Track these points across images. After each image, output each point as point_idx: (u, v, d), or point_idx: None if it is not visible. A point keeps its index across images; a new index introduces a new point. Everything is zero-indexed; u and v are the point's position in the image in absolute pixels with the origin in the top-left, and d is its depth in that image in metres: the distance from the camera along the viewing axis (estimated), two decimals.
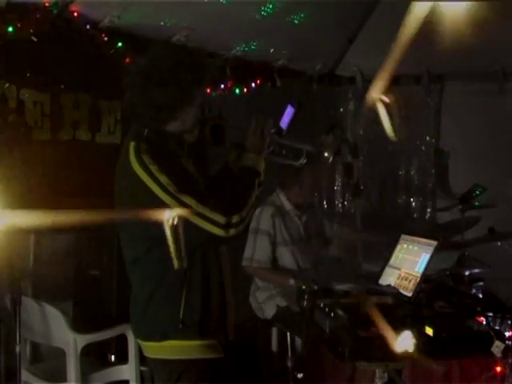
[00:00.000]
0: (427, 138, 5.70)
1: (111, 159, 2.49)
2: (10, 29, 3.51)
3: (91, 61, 4.04)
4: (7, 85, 3.76)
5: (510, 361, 2.54)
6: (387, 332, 2.48)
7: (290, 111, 2.62)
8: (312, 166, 4.01)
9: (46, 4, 3.62)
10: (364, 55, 5.41)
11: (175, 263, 2.24)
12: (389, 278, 3.25)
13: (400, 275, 3.17)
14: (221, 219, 2.19)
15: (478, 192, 4.08)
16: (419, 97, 5.68)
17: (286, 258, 4.16)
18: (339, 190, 6.03)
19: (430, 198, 5.74)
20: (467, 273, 3.61)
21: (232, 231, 2.21)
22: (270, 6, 4.25)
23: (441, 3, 3.47)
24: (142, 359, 3.67)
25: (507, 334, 2.59)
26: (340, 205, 6.04)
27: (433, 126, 5.68)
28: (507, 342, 2.54)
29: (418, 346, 2.42)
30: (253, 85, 5.07)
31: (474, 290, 3.31)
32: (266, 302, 4.15)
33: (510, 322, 2.64)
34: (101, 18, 3.91)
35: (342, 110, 6.03)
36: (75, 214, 1.50)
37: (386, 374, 2.71)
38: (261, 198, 3.60)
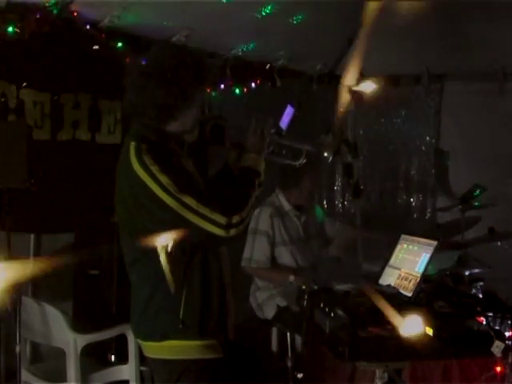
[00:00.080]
0: (427, 138, 5.70)
1: (111, 159, 2.49)
2: (10, 29, 3.51)
3: (91, 61, 4.04)
4: (7, 85, 3.77)
5: (510, 361, 2.54)
6: (393, 316, 2.49)
7: (289, 111, 2.62)
8: (312, 167, 4.02)
9: (46, 4, 3.62)
10: (364, 55, 5.41)
11: (171, 288, 2.25)
12: (389, 278, 3.25)
13: (400, 275, 3.17)
14: (221, 219, 2.19)
15: (477, 192, 4.07)
16: (419, 97, 5.68)
17: (285, 258, 4.17)
18: (339, 189, 6.03)
19: (430, 197, 5.74)
20: (467, 273, 3.60)
21: (232, 231, 2.21)
22: (270, 7, 4.25)
23: None
24: (142, 359, 3.67)
25: (507, 333, 2.59)
26: (340, 205, 6.04)
27: (433, 125, 5.68)
28: (507, 341, 2.54)
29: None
30: (253, 85, 5.07)
31: (473, 290, 3.30)
32: (265, 302, 4.16)
33: (509, 322, 2.64)
34: (101, 18, 3.91)
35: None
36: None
37: (385, 374, 2.71)
38: (260, 199, 3.60)
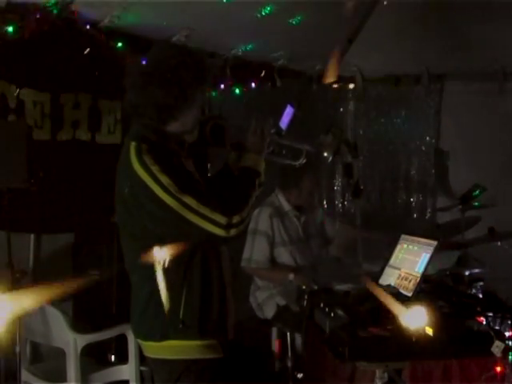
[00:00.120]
0: (427, 138, 5.70)
1: (111, 159, 2.49)
2: (10, 29, 3.51)
3: (91, 61, 4.04)
4: (7, 85, 3.77)
5: (510, 361, 2.54)
6: (396, 308, 2.48)
7: (289, 111, 2.62)
8: (311, 167, 4.02)
9: (46, 4, 3.62)
10: (364, 55, 5.41)
11: (166, 305, 2.25)
12: (389, 278, 3.25)
13: (400, 275, 3.17)
14: (222, 219, 2.19)
15: (477, 192, 4.07)
16: (419, 97, 5.68)
17: (285, 258, 4.17)
18: (339, 189, 6.03)
19: (430, 197, 5.75)
20: (467, 273, 3.61)
21: (233, 231, 2.21)
22: (270, 7, 4.25)
23: None
24: (142, 359, 3.67)
25: (507, 333, 2.59)
26: (340, 205, 6.04)
27: (433, 125, 5.68)
28: (507, 341, 2.54)
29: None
30: (253, 85, 5.07)
31: (473, 290, 3.30)
32: (265, 301, 4.16)
33: (509, 322, 2.64)
34: (101, 18, 3.91)
35: (342, 109, 6.04)
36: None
37: (385, 374, 2.71)
38: (260, 199, 3.60)
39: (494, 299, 3.05)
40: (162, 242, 2.28)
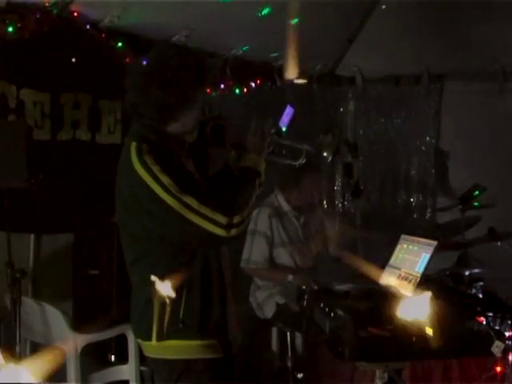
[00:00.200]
0: (427, 138, 5.70)
1: (111, 159, 2.49)
2: (10, 29, 3.51)
3: (91, 61, 4.04)
4: (7, 85, 3.77)
5: (510, 361, 2.54)
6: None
7: (289, 111, 2.62)
8: (311, 167, 4.02)
9: (46, 4, 3.62)
10: (364, 55, 5.42)
11: (153, 339, 2.25)
12: (389, 278, 3.25)
13: (400, 275, 3.17)
14: (222, 219, 2.19)
15: (477, 192, 4.07)
16: (419, 97, 5.68)
17: (284, 259, 4.17)
18: (339, 189, 6.04)
19: (430, 197, 5.74)
20: (467, 273, 3.60)
21: (233, 231, 2.21)
22: (269, 8, 4.25)
23: None
24: (142, 359, 3.67)
25: (507, 333, 2.59)
26: (340, 205, 6.04)
27: (433, 125, 5.68)
28: (507, 341, 2.54)
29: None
30: (253, 85, 5.07)
31: (473, 290, 3.30)
32: (265, 301, 4.16)
33: (509, 322, 2.64)
34: (101, 18, 3.91)
35: (342, 109, 6.04)
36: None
37: (385, 374, 2.71)
38: (260, 199, 3.60)
39: (494, 299, 3.05)
40: (162, 242, 2.28)
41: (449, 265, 3.85)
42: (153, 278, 2.22)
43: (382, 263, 3.38)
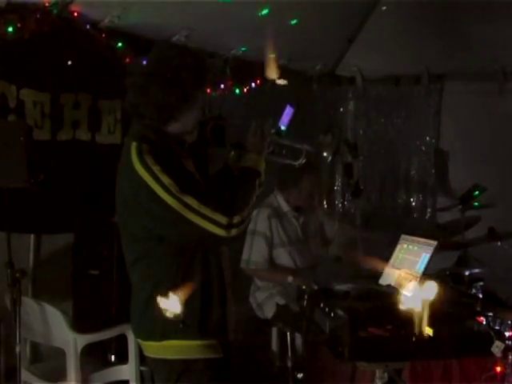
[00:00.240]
0: (427, 138, 5.70)
1: (111, 159, 2.49)
2: (10, 29, 3.51)
3: (91, 61, 4.04)
4: (7, 85, 3.77)
5: (510, 361, 2.53)
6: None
7: (289, 111, 2.62)
8: (311, 167, 4.02)
9: (46, 4, 3.62)
10: (364, 55, 5.42)
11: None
12: (389, 278, 3.25)
13: (400, 275, 3.17)
14: (222, 219, 2.19)
15: (477, 192, 4.07)
16: (419, 97, 5.68)
17: (284, 259, 4.17)
18: (339, 189, 6.04)
19: (430, 197, 5.75)
20: (467, 273, 3.60)
21: (233, 231, 2.22)
22: (268, 8, 4.25)
23: None
24: (142, 359, 3.67)
25: (507, 333, 2.59)
26: (340, 205, 6.04)
27: (433, 126, 5.68)
28: (507, 341, 2.54)
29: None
30: (253, 85, 5.07)
31: (473, 290, 3.30)
32: (265, 301, 4.16)
33: (509, 322, 2.64)
34: (101, 18, 3.91)
35: (342, 109, 6.04)
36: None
37: (385, 374, 2.71)
38: (260, 199, 3.60)
39: (494, 299, 3.05)
40: (162, 241, 2.29)
41: (449, 265, 3.85)
42: (158, 299, 2.22)
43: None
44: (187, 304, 2.28)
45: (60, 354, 3.65)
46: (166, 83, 2.25)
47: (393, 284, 3.18)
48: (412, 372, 2.69)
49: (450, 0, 4.54)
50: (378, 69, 5.58)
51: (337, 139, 2.59)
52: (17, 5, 3.53)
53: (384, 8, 4.71)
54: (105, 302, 4.20)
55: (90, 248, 4.31)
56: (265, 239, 4.10)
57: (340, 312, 2.86)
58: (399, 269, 3.21)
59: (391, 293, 3.02)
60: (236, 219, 2.21)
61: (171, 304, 2.20)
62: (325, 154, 2.58)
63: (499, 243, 4.21)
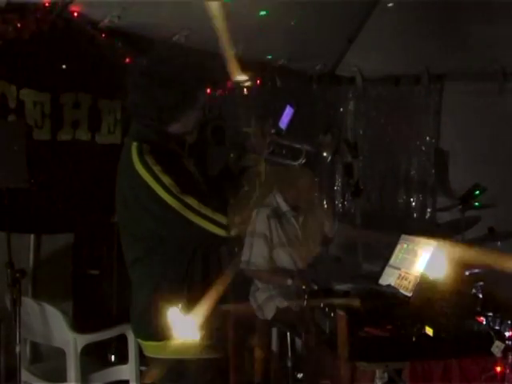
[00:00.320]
0: (427, 138, 5.70)
1: (111, 159, 2.49)
2: (10, 29, 3.51)
3: (91, 61, 4.04)
4: (7, 85, 3.77)
5: (510, 361, 2.53)
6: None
7: (289, 111, 2.62)
8: (308, 168, 4.02)
9: (46, 4, 3.62)
10: (364, 55, 5.42)
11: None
12: (389, 278, 3.25)
13: (400, 275, 3.17)
14: (223, 220, 2.20)
15: (477, 192, 4.07)
16: (419, 97, 5.68)
17: (284, 259, 4.16)
18: (339, 189, 6.03)
19: (430, 197, 5.74)
20: (467, 273, 3.60)
21: (234, 232, 2.22)
22: (267, 10, 4.26)
23: None
24: (142, 359, 3.67)
25: (507, 333, 2.59)
26: (340, 205, 6.04)
27: (433, 126, 5.68)
28: (507, 341, 2.54)
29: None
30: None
31: (473, 290, 3.30)
32: (265, 302, 4.15)
33: (509, 322, 2.64)
34: (101, 18, 3.92)
35: (342, 109, 6.04)
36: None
37: (385, 374, 2.71)
38: (259, 199, 3.60)
39: (494, 299, 3.05)
40: (162, 241, 2.29)
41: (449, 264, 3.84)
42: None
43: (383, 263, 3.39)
44: (187, 304, 2.28)
45: (60, 353, 3.64)
46: (166, 84, 2.25)
47: (393, 284, 3.18)
48: (412, 372, 2.69)
49: (450, 0, 4.54)
50: (378, 69, 5.58)
51: (336, 139, 2.59)
52: (17, 5, 3.53)
53: (390, 4, 4.69)
54: (105, 302, 4.21)
55: (89, 248, 4.31)
56: (264, 240, 4.10)
57: (340, 312, 2.86)
58: (399, 269, 3.21)
59: (391, 293, 3.02)
60: (236, 219, 2.22)
61: (188, 328, 2.21)
62: (324, 154, 2.58)
63: (499, 243, 4.22)
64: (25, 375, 3.62)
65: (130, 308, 2.45)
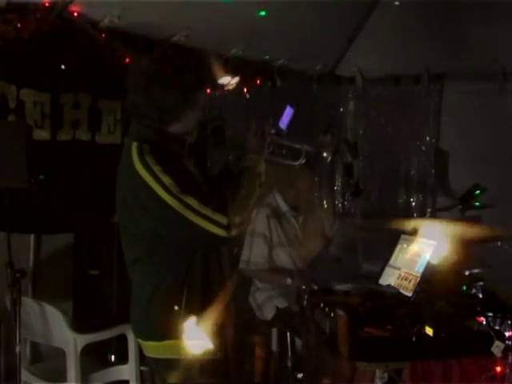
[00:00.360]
0: (427, 138, 5.70)
1: (111, 159, 2.49)
2: (10, 29, 3.51)
3: (91, 61, 4.04)
4: (7, 85, 3.76)
5: (510, 361, 2.53)
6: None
7: (289, 112, 2.62)
8: (307, 167, 4.02)
9: (46, 4, 3.62)
10: (364, 55, 5.41)
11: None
12: (389, 278, 3.25)
13: (400, 275, 3.17)
14: (223, 220, 2.20)
15: (478, 192, 4.07)
16: (419, 97, 5.68)
17: (283, 258, 4.17)
18: (339, 189, 6.03)
19: (430, 197, 5.74)
20: (467, 273, 3.60)
21: (234, 232, 2.22)
22: (266, 10, 4.25)
23: None
24: (142, 359, 3.68)
25: (507, 333, 2.59)
26: (340, 205, 6.04)
27: (433, 126, 5.68)
28: (507, 341, 2.54)
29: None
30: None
31: (474, 290, 3.30)
32: (265, 303, 4.15)
33: (509, 322, 2.64)
34: (101, 18, 3.91)
35: (342, 109, 6.04)
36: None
37: (385, 374, 2.71)
38: (259, 200, 3.60)
39: (494, 299, 3.05)
40: (162, 241, 2.29)
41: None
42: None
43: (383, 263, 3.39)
44: (187, 304, 2.28)
45: (60, 354, 3.65)
46: (167, 84, 2.25)
47: (393, 284, 3.18)
48: (412, 372, 2.69)
49: (450, 0, 4.54)
50: (378, 69, 5.57)
51: (336, 139, 2.60)
52: (17, 5, 3.53)
53: (397, 3, 4.67)
54: (105, 302, 4.21)
55: (89, 248, 4.31)
56: (264, 239, 4.10)
57: (340, 312, 2.86)
58: (399, 269, 3.21)
59: (391, 293, 3.02)
60: (236, 220, 2.22)
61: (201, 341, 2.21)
62: (324, 155, 2.58)
63: (499, 243, 4.21)
64: (25, 375, 3.62)
65: (130, 308, 2.45)
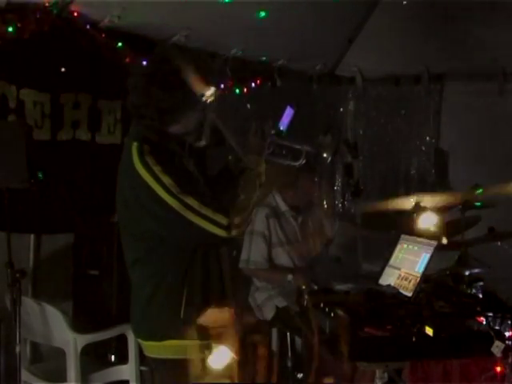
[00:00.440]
0: (427, 138, 5.70)
1: (111, 159, 2.49)
2: (10, 29, 3.51)
3: (91, 61, 4.04)
4: (7, 85, 3.77)
5: (510, 361, 2.53)
6: None
7: (289, 112, 2.62)
8: (306, 167, 4.02)
9: (46, 4, 3.62)
10: (364, 55, 5.42)
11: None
12: (389, 278, 3.25)
13: (400, 275, 3.17)
14: (223, 220, 2.20)
15: (478, 192, 4.07)
16: (419, 97, 5.68)
17: (283, 258, 4.17)
18: (339, 189, 6.03)
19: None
20: (467, 273, 3.60)
21: (234, 232, 2.23)
22: (266, 11, 4.25)
23: None
24: (142, 359, 3.67)
25: (507, 333, 2.59)
26: (340, 205, 6.04)
27: (433, 126, 5.68)
28: (507, 341, 2.54)
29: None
30: (253, 85, 5.07)
31: (474, 290, 3.30)
32: (265, 303, 4.15)
33: (509, 322, 2.64)
34: (101, 18, 3.91)
35: (342, 110, 6.04)
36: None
37: (385, 374, 2.71)
38: (259, 200, 3.60)
39: (494, 299, 3.05)
40: (163, 242, 2.29)
41: (449, 265, 3.85)
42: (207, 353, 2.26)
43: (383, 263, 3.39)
44: (187, 304, 2.29)
45: (60, 354, 3.65)
46: (167, 85, 2.25)
47: (393, 284, 3.18)
48: (412, 372, 2.69)
49: (451, 0, 4.54)
50: (378, 69, 5.57)
51: (336, 139, 2.59)
52: (17, 5, 3.53)
53: (405, 2, 4.66)
54: (105, 302, 4.20)
55: (90, 248, 4.31)
56: (263, 238, 4.10)
57: (340, 312, 2.87)
58: (399, 269, 3.21)
59: (391, 293, 3.02)
60: (236, 220, 2.22)
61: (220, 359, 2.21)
62: (324, 155, 2.58)
63: (499, 243, 4.21)
64: (25, 375, 3.63)
65: (130, 308, 2.45)
